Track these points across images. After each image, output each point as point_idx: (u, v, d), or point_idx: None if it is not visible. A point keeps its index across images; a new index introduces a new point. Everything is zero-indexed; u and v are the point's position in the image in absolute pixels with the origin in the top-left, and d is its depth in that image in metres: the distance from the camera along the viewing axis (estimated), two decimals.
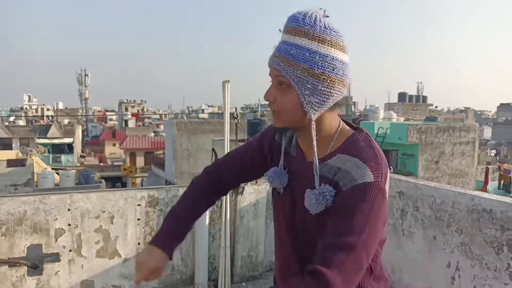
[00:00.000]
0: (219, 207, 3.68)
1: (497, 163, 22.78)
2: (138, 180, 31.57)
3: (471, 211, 2.59)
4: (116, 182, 31.77)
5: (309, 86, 0.98)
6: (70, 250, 3.22)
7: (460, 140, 15.54)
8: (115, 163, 37.45)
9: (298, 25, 0.98)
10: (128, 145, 35.12)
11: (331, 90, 0.99)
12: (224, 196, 3.62)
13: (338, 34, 0.99)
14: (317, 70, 0.97)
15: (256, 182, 3.86)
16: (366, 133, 1.07)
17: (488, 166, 19.04)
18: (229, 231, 3.62)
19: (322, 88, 0.98)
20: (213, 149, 3.70)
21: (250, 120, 11.80)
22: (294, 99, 0.99)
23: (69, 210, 3.19)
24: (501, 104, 63.85)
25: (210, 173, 1.28)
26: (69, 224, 3.20)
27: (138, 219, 3.42)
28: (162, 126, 46.09)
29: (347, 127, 1.09)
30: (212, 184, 1.26)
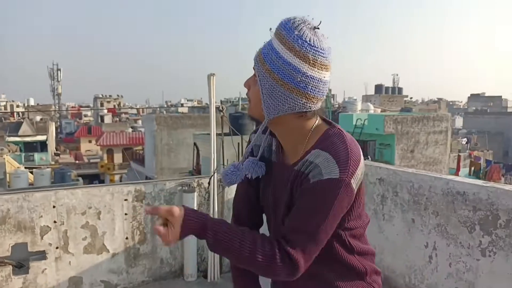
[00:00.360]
0: (206, 199, 3.75)
1: (468, 151, 23.61)
2: (117, 177, 31.09)
3: (446, 194, 2.76)
4: (93, 179, 31.16)
5: (267, 86, 1.03)
6: (57, 248, 3.23)
7: (434, 129, 16.03)
8: (91, 160, 36.72)
9: (283, 31, 1.02)
10: (105, 142, 34.47)
11: (287, 98, 1.02)
12: (212, 188, 3.69)
13: (318, 51, 1.00)
14: (277, 74, 1.01)
15: None
16: (339, 128, 1.11)
17: (460, 154, 19.75)
18: None
19: (278, 93, 1.02)
20: (194, 144, 3.75)
21: (231, 114, 11.83)
22: (258, 93, 1.06)
23: (54, 207, 3.19)
24: (471, 95, 65.86)
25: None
26: (55, 221, 3.20)
27: (126, 214, 3.45)
28: (140, 121, 45.40)
29: (323, 125, 1.12)
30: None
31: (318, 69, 1.01)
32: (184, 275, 3.68)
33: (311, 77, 1.01)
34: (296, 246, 1.02)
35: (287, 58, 1.00)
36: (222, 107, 3.65)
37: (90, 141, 42.53)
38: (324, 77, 1.03)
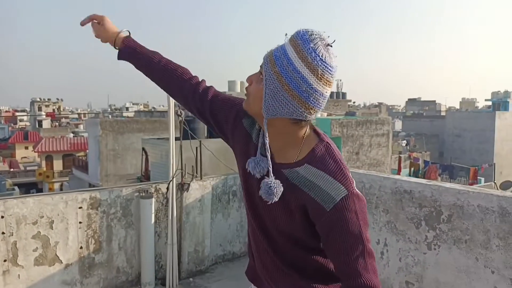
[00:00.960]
0: (164, 205, 3.72)
1: (408, 152, 25.16)
2: (57, 185, 29.44)
3: (395, 192, 2.97)
4: (30, 188, 29.27)
5: (272, 87, 1.06)
6: (5, 260, 3.05)
7: (377, 132, 16.89)
8: (28, 168, 34.45)
9: (299, 40, 1.05)
10: (43, 148, 32.51)
11: (288, 104, 1.06)
12: (170, 193, 3.66)
13: (327, 67, 1.05)
14: (284, 79, 1.04)
15: (201, 178, 3.95)
16: (327, 142, 1.16)
17: (400, 155, 20.97)
18: (176, 228, 3.68)
19: (281, 97, 1.05)
20: (143, 149, 3.71)
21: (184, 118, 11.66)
22: (260, 91, 1.09)
23: (2, 217, 3.02)
24: (408, 99, 70.05)
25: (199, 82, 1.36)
26: (3, 233, 3.02)
27: (80, 222, 3.33)
28: (82, 126, 43.33)
29: (313, 135, 1.17)
30: (191, 82, 1.35)
31: (323, 84, 1.06)
32: (141, 284, 3.61)
33: (315, 90, 1.05)
34: (362, 274, 1.05)
35: (297, 67, 1.03)
36: (180, 112, 3.64)
37: (26, 148, 39.91)
38: (326, 92, 1.08)
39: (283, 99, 1.06)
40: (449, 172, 20.91)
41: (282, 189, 1.10)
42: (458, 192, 2.63)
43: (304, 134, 1.14)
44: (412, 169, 18.87)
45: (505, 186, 18.37)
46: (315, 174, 1.10)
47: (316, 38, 1.04)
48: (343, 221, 1.06)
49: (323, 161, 1.11)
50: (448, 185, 2.80)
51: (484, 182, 18.08)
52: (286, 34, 1.09)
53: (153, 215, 3.58)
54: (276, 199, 1.10)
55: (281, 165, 1.15)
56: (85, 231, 3.38)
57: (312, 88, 1.05)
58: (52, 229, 3.22)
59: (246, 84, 1.17)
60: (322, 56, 1.04)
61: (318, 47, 1.04)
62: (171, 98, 3.52)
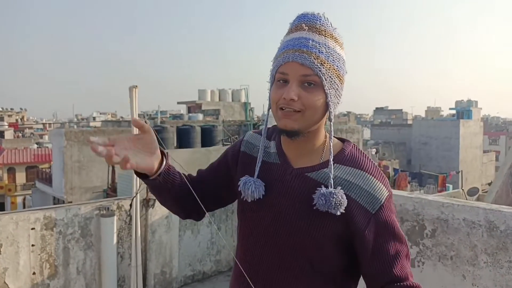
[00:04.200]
0: (128, 224, 3.42)
1: (378, 161, 25.55)
2: (19, 199, 28.16)
3: None
4: None
5: (335, 87, 0.97)
6: None
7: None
8: None
9: (323, 25, 0.96)
10: (6, 160, 31.14)
11: (342, 93, 1.01)
12: (134, 210, 3.37)
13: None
14: (341, 72, 0.98)
15: None
16: (353, 143, 1.08)
17: None
18: (140, 248, 3.39)
19: (340, 91, 0.99)
20: None
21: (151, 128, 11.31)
22: (322, 99, 0.96)
23: None
24: (376, 108, 71.71)
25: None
26: None
27: (33, 245, 3.00)
28: (46, 137, 41.73)
29: (335, 139, 1.06)
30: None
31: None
32: None
33: (345, 62, 1.00)
34: (409, 279, 0.98)
35: (343, 55, 0.99)
36: (146, 121, 3.37)
37: None
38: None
39: (341, 92, 1.00)
40: (418, 179, 21.36)
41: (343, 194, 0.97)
42: (442, 205, 2.49)
43: (325, 135, 1.05)
44: None
45: (471, 192, 18.87)
46: (352, 173, 0.99)
47: (327, 18, 0.98)
48: (389, 224, 0.98)
49: (357, 159, 1.02)
50: (430, 197, 2.67)
51: (452, 189, 18.52)
52: (281, 40, 1.00)
53: (115, 235, 3.28)
54: (342, 210, 0.95)
55: (303, 169, 1.01)
56: (39, 254, 3.04)
57: (344, 60, 1.00)
58: (0, 253, 2.87)
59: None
60: (336, 27, 0.99)
61: (329, 22, 0.98)
62: (134, 106, 3.27)
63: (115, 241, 3.30)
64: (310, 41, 0.94)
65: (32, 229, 3.00)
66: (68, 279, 3.18)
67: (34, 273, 3.02)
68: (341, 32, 1.00)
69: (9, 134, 46.05)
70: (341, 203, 0.94)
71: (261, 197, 1.02)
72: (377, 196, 0.97)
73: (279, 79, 0.97)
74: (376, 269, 0.98)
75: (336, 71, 0.96)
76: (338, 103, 1.00)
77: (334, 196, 0.94)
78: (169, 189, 1.07)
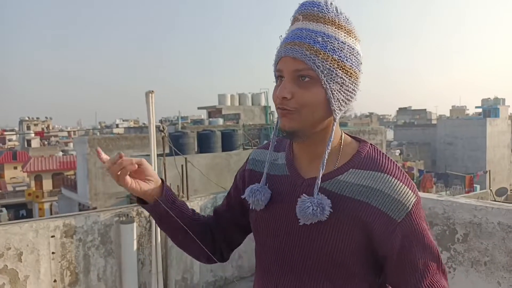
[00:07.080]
0: (148, 230, 3.39)
1: (402, 162, 25.01)
2: (47, 205, 28.92)
3: None
4: (19, 209, 28.71)
5: (338, 80, 0.84)
6: None
7: (370, 142, 16.77)
8: (17, 188, 33.87)
9: (321, 11, 0.84)
10: (32, 167, 31.98)
11: (355, 88, 0.88)
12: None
13: (351, 22, 0.88)
14: (347, 63, 0.85)
15: (187, 198, 3.64)
16: (371, 143, 0.97)
17: None
18: (161, 254, 3.35)
19: (349, 85, 0.86)
20: None
21: (172, 133, 11.35)
22: (320, 94, 0.84)
23: None
24: (399, 109, 70.47)
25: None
26: None
27: (53, 253, 3.00)
28: (71, 144, 42.80)
29: (349, 138, 0.96)
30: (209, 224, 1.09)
31: (358, 43, 0.89)
32: None
33: (358, 53, 0.88)
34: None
35: (350, 43, 0.86)
36: (163, 127, 3.34)
37: (15, 168, 39.31)
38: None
39: (351, 86, 0.87)
40: (444, 180, 20.80)
41: (329, 201, 0.85)
42: (474, 208, 2.35)
43: (341, 137, 0.93)
44: None
45: (500, 192, 18.25)
46: (372, 177, 0.87)
47: (333, 3, 0.86)
48: (418, 233, 0.87)
49: (376, 161, 0.90)
50: (462, 200, 2.52)
51: (480, 190, 17.93)
52: (280, 36, 0.89)
53: (135, 242, 3.25)
54: (324, 216, 0.85)
55: (314, 179, 0.89)
56: (59, 262, 3.04)
57: (361, 59, 0.89)
58: (21, 261, 2.88)
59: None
60: (344, 13, 0.86)
61: (345, 14, 0.86)
62: (151, 111, 3.24)
63: (135, 247, 3.27)
64: (304, 31, 0.84)
65: (52, 236, 3.00)
66: (89, 286, 3.17)
67: (55, 281, 3.01)
68: (351, 19, 0.88)
69: (35, 142, 47.48)
70: (314, 204, 0.84)
71: (267, 203, 0.93)
72: (403, 201, 0.85)
73: (277, 77, 0.88)
74: (402, 285, 0.88)
75: (337, 61, 0.83)
76: (348, 100, 0.88)
77: (303, 203, 0.84)
78: (178, 226, 0.98)
